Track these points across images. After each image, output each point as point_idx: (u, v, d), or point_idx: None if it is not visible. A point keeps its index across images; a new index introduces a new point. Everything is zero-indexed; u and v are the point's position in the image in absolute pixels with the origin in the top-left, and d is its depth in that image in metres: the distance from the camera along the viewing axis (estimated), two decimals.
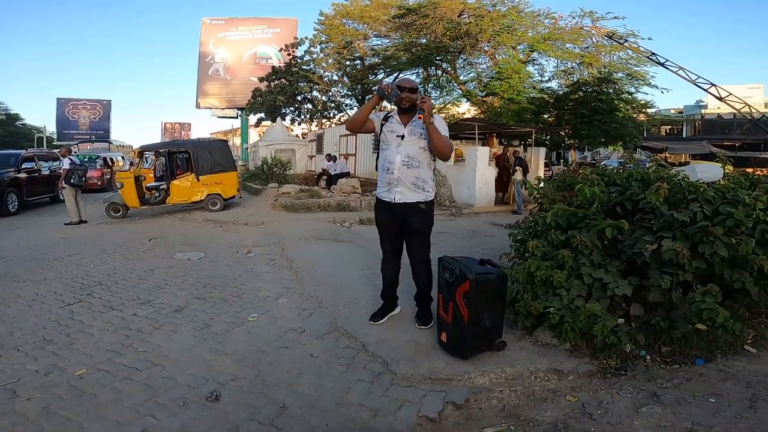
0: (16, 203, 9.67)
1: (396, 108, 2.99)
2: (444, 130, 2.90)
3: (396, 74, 22.83)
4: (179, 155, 10.00)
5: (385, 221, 3.09)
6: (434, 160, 3.01)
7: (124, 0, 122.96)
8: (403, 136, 2.91)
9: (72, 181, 8.21)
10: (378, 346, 2.82)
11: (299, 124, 24.67)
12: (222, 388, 2.39)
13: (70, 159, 8.42)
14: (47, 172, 11.40)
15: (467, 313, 2.51)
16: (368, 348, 2.82)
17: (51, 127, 41.13)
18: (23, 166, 10.25)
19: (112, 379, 2.50)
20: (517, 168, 10.19)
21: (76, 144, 30.87)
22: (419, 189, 2.92)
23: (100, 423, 2.09)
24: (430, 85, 21.46)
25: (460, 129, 12.60)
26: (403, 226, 3.02)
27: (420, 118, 2.75)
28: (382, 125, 3.00)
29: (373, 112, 2.98)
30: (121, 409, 2.20)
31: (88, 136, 37.85)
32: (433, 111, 3.06)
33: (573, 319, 2.60)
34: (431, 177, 2.99)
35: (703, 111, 30.51)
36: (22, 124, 43.09)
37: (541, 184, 3.89)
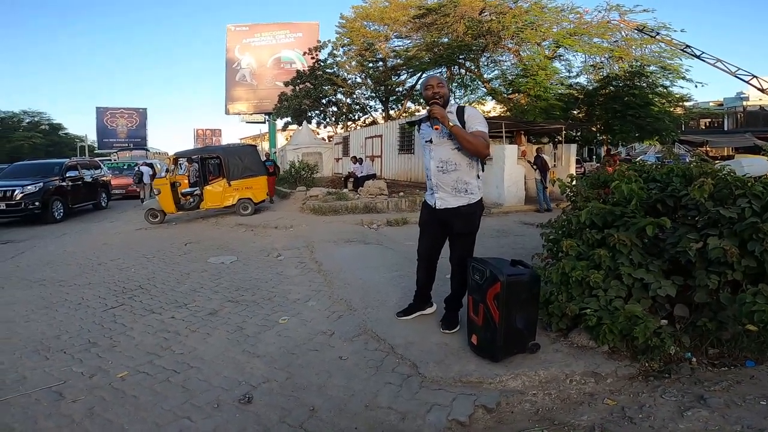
0: (61, 211, 10.17)
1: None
2: (479, 123, 2.73)
3: (419, 74, 22.75)
4: (211, 161, 10.31)
5: (426, 221, 3.03)
6: (476, 160, 2.80)
7: (156, 8, 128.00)
8: (431, 140, 2.80)
9: None
10: (407, 349, 2.80)
11: (325, 127, 24.96)
12: (254, 391, 2.42)
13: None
14: (90, 180, 11.97)
15: (498, 315, 2.46)
16: (397, 350, 2.81)
17: (92, 136, 43.19)
18: (67, 175, 10.78)
19: (151, 381, 2.58)
20: (535, 168, 10.07)
21: (116, 152, 32.30)
22: (460, 192, 2.79)
23: (140, 425, 2.16)
24: (454, 84, 21.27)
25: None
26: (445, 230, 2.94)
27: (437, 129, 2.65)
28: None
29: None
30: (160, 411, 2.26)
31: (127, 144, 39.56)
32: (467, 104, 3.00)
33: (612, 321, 2.50)
34: (475, 176, 2.81)
35: (744, 103, 28.95)
36: (64, 134, 44.94)
37: (574, 182, 3.76)
